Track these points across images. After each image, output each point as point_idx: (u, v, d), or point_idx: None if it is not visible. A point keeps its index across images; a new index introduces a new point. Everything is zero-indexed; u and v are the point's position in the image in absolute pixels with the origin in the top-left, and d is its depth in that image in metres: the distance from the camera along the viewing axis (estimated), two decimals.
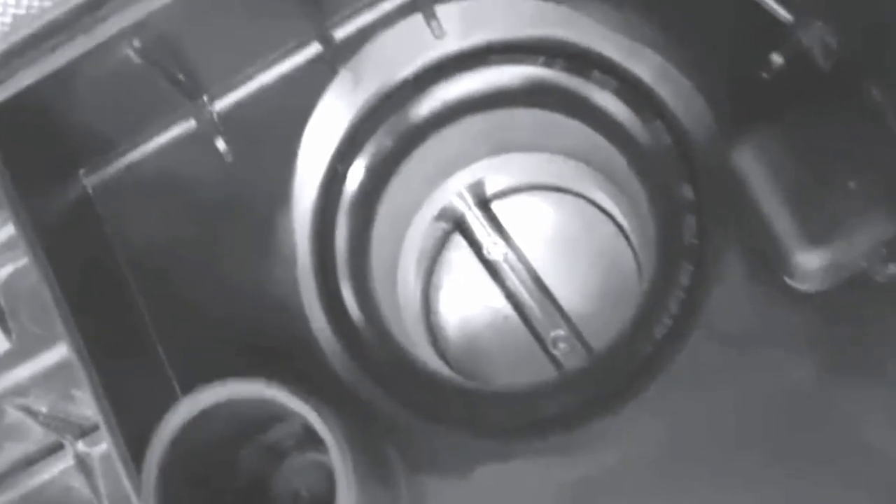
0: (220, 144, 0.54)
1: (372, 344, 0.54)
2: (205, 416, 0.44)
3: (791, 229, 0.47)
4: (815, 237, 0.47)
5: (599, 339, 0.60)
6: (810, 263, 0.47)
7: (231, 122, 0.54)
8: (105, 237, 0.55)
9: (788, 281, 0.49)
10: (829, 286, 0.48)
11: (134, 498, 0.52)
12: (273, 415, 0.51)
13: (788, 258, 0.48)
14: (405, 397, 0.53)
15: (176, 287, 0.54)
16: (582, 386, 0.52)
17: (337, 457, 0.44)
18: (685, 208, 0.51)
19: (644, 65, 0.53)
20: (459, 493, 0.51)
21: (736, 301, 0.50)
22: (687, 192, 0.51)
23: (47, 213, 0.52)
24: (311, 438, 0.53)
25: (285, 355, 0.53)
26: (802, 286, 0.49)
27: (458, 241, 0.65)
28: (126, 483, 0.47)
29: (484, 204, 0.64)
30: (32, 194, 0.51)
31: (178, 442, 0.44)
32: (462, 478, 0.51)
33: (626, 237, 0.64)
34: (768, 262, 0.49)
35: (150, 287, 0.54)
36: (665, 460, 0.49)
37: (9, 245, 0.57)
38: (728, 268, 0.50)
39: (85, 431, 0.60)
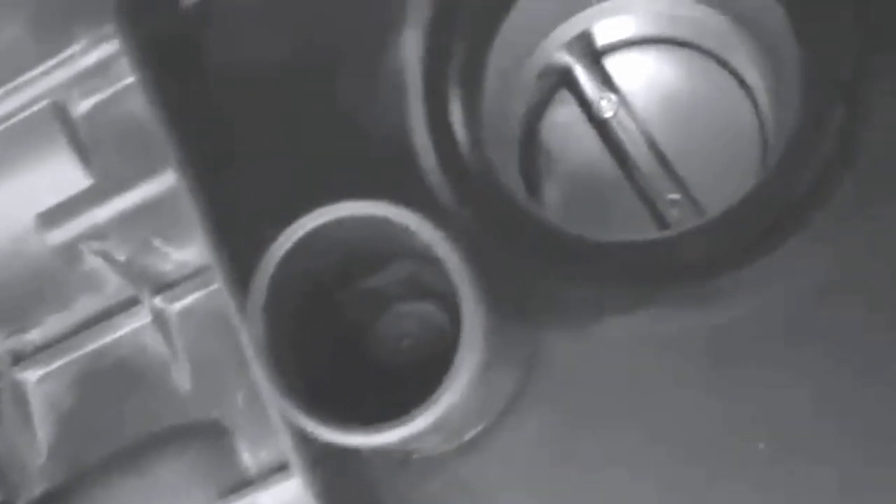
0: None
1: (485, 190, 0.50)
2: (315, 238, 0.41)
3: None
4: None
5: (714, 206, 0.56)
6: None
7: None
8: (205, 63, 0.51)
9: None
10: None
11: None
12: (381, 256, 0.47)
13: None
14: (520, 247, 0.49)
15: (279, 114, 0.51)
16: (719, 234, 0.48)
17: (466, 291, 0.40)
18: (840, 39, 0.46)
19: None
20: (585, 346, 0.47)
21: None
22: (846, 15, 0.46)
23: (145, 38, 0.49)
24: (414, 288, 0.50)
25: (390, 192, 0.49)
26: None
27: (566, 96, 0.60)
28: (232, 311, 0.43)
29: (595, 56, 0.59)
30: (131, 17, 0.47)
31: (288, 261, 0.40)
32: (587, 329, 0.47)
33: (752, 101, 0.59)
34: None
35: (251, 114, 0.51)
36: (803, 312, 0.46)
37: (98, 69, 0.53)
38: (888, 105, 0.46)
39: (162, 287, 0.57)
